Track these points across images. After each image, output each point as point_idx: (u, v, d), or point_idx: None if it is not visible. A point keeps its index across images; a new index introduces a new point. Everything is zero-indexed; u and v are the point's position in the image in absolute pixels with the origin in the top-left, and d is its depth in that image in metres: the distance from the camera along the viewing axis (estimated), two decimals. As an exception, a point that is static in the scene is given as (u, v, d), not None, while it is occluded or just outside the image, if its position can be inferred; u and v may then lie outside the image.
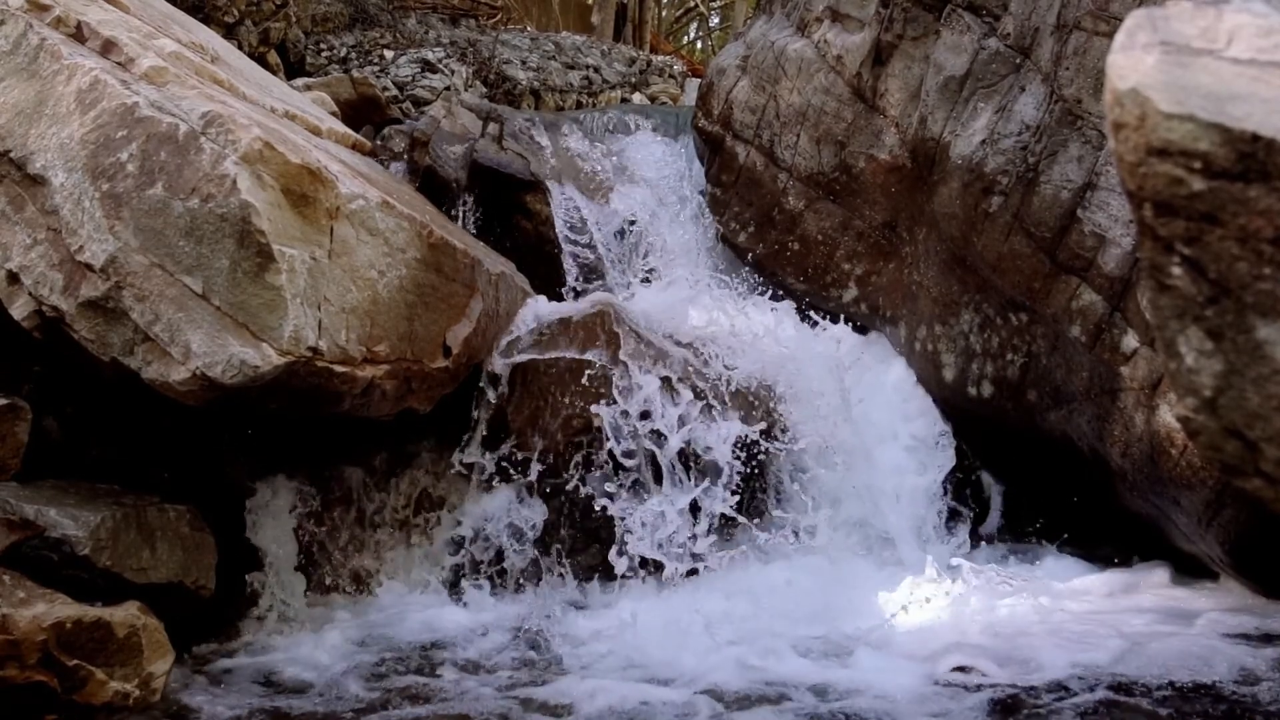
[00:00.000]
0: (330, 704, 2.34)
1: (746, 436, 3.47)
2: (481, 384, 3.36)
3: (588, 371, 3.37)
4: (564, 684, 2.45)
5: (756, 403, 3.64)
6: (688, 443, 3.39)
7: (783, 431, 3.63)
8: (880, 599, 3.09)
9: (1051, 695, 2.30)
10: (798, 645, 2.73)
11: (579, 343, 3.45)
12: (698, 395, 3.47)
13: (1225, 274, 1.02)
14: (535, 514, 3.32)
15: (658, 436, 3.36)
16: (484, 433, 3.37)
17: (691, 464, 3.41)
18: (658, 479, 3.36)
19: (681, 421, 3.38)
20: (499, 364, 3.37)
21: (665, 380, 3.44)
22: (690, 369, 3.53)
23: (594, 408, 3.34)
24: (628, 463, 3.33)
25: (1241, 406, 1.03)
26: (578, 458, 3.37)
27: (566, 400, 3.38)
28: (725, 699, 2.36)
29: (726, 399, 3.53)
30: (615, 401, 3.37)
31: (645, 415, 3.38)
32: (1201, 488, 2.91)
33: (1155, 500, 3.18)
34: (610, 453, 3.32)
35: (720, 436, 3.42)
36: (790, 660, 2.63)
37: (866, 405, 3.87)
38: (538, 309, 3.56)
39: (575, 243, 4.47)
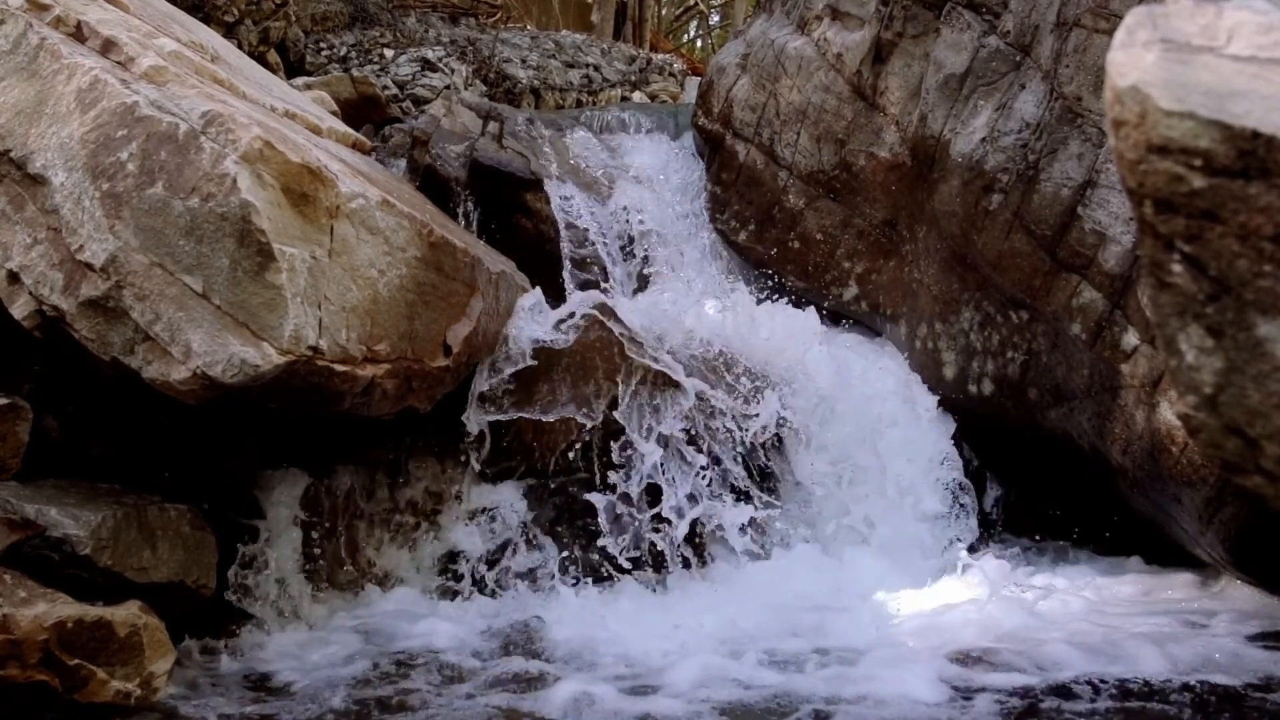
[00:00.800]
0: (317, 709, 2.33)
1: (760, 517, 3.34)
2: (462, 445, 3.23)
3: (576, 442, 3.25)
4: (553, 692, 2.39)
5: (775, 465, 3.45)
6: (696, 522, 3.25)
7: (804, 506, 3.47)
8: (889, 603, 3.06)
9: (1065, 700, 2.26)
10: (803, 651, 2.66)
11: (571, 381, 3.27)
12: (711, 457, 3.27)
13: (1225, 271, 1.02)
14: (539, 534, 3.24)
15: (661, 520, 3.22)
16: (472, 506, 3.23)
17: (701, 542, 3.29)
18: (659, 563, 3.22)
19: (692, 498, 3.21)
20: (476, 420, 3.22)
21: (670, 438, 3.25)
22: (702, 412, 3.31)
23: (588, 496, 3.23)
24: (625, 559, 3.18)
25: (1242, 404, 1.03)
26: (574, 467, 3.28)
27: (559, 449, 3.24)
28: (726, 710, 2.27)
29: (739, 458, 3.34)
30: (611, 486, 3.19)
31: (650, 491, 3.20)
32: (1202, 485, 2.91)
33: (1156, 498, 3.18)
34: (604, 549, 3.19)
35: (732, 521, 3.27)
36: (795, 667, 2.54)
37: (894, 449, 3.67)
38: (530, 327, 3.37)
39: (574, 243, 4.39)
